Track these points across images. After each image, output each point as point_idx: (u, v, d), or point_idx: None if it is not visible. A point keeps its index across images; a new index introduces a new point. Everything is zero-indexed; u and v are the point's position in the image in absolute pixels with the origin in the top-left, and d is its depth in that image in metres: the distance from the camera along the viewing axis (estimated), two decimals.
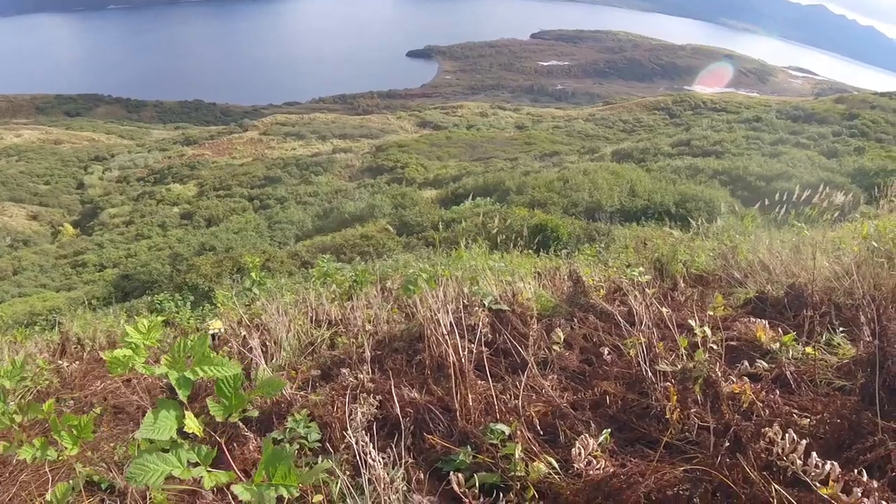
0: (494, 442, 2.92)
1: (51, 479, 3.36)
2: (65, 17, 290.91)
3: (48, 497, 2.75)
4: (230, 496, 2.67)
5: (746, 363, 3.51)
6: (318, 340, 5.02)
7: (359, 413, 2.74)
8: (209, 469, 2.14)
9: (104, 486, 3.33)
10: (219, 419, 2.25)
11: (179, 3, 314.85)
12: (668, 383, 3.10)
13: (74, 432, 2.76)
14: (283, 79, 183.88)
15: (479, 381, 3.45)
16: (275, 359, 4.75)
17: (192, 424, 2.17)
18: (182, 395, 2.18)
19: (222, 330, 5.99)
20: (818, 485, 2.24)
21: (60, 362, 6.05)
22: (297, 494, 2.15)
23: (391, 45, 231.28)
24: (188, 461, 2.14)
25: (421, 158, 62.92)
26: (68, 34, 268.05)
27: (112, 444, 3.94)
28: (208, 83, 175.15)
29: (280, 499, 2.11)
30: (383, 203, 39.18)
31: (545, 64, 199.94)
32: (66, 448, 2.72)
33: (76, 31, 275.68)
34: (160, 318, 9.08)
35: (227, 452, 2.41)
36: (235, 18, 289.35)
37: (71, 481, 2.99)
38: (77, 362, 6.15)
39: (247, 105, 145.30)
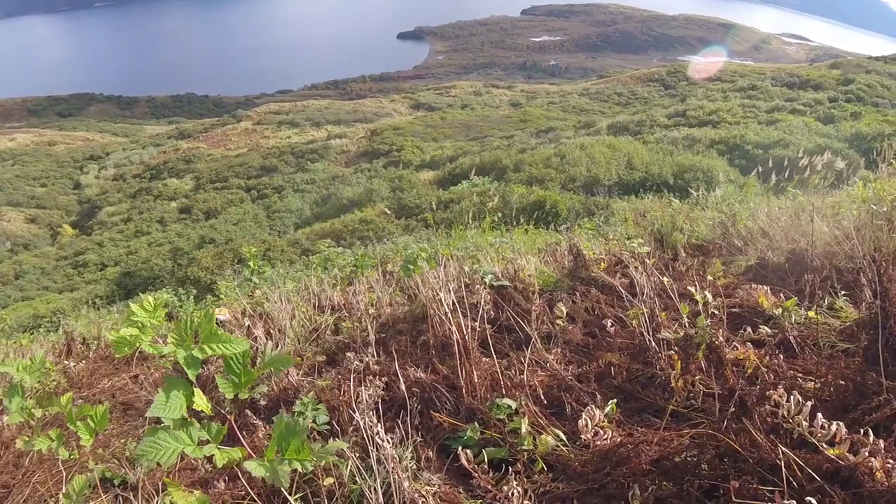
0: (501, 417, 2.94)
1: (64, 477, 3.38)
2: (51, 18, 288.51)
3: (65, 491, 2.77)
4: (243, 481, 2.69)
5: (749, 329, 3.51)
6: (322, 326, 5.03)
7: (365, 395, 2.76)
8: (220, 447, 2.14)
9: (117, 482, 3.36)
10: (228, 396, 2.25)
11: None
12: (672, 352, 3.11)
13: (91, 423, 2.76)
14: (273, 67, 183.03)
15: (484, 358, 3.47)
16: (280, 346, 4.76)
17: (201, 402, 2.17)
18: (191, 374, 2.18)
19: (228, 316, 6.00)
20: (825, 446, 2.25)
21: (67, 362, 6.07)
22: (310, 468, 2.15)
23: (381, 28, 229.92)
24: (199, 439, 2.13)
25: (416, 140, 62.72)
26: (56, 34, 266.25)
27: (123, 441, 3.96)
28: (199, 75, 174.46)
29: (291, 480, 2.11)
30: (381, 187, 39.10)
31: (537, 40, 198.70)
32: (80, 440, 2.72)
33: (63, 30, 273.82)
34: (165, 296, 9.10)
35: (237, 431, 2.42)
36: (222, 8, 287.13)
37: (87, 475, 3.01)
38: (83, 362, 6.17)
39: (239, 95, 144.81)
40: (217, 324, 5.79)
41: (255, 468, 2.07)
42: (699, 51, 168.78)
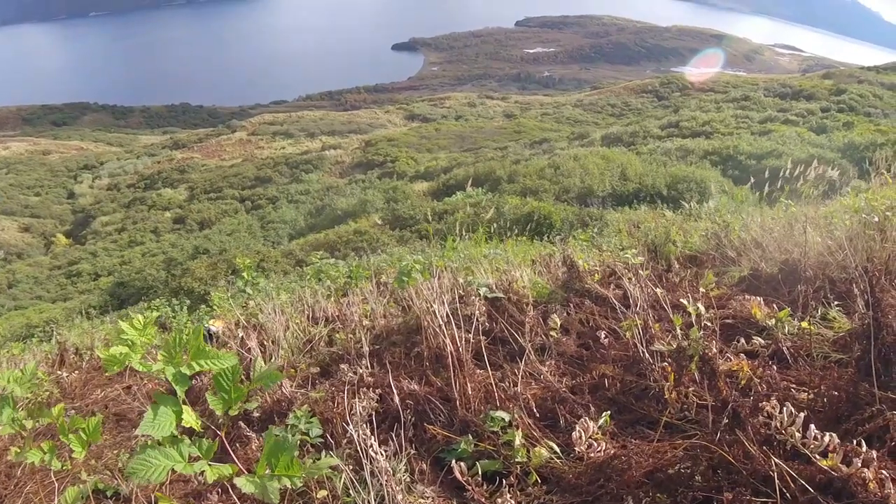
0: (495, 429, 2.94)
1: (57, 488, 3.36)
2: (47, 27, 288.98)
3: (57, 502, 2.75)
4: (234, 497, 2.68)
5: (743, 340, 3.52)
6: (316, 338, 5.02)
7: (359, 407, 2.75)
8: (210, 463, 2.14)
9: (109, 494, 3.34)
10: (218, 412, 2.24)
11: (161, 6, 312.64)
12: (665, 363, 3.12)
13: (83, 435, 2.74)
14: (268, 78, 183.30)
15: (478, 370, 3.46)
16: (273, 358, 4.75)
17: (190, 419, 2.17)
18: (179, 391, 2.18)
19: (220, 329, 5.98)
20: (818, 457, 2.26)
21: (60, 373, 6.05)
22: (300, 485, 2.15)
23: (375, 39, 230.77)
24: (190, 456, 2.13)
25: (411, 151, 62.78)
26: (52, 43, 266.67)
27: (115, 452, 3.94)
28: (194, 86, 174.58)
29: (284, 494, 2.11)
30: (375, 198, 39.12)
31: (531, 51, 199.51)
32: (73, 452, 2.71)
33: (59, 39, 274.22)
34: (155, 314, 9.08)
35: (228, 447, 2.41)
36: (218, 19, 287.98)
37: (80, 487, 2.99)
38: (76, 372, 6.15)
39: (234, 106, 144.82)
40: (210, 335, 5.78)
41: (245, 484, 2.07)
42: (692, 61, 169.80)
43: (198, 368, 2.20)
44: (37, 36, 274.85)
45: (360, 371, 3.79)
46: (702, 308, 3.49)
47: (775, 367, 3.06)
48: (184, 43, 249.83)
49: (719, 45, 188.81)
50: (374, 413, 3.10)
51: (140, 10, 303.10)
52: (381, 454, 2.50)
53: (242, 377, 2.54)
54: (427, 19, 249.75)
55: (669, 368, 3.02)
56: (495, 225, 7.94)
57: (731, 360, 3.13)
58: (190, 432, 2.24)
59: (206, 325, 6.18)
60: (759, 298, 3.98)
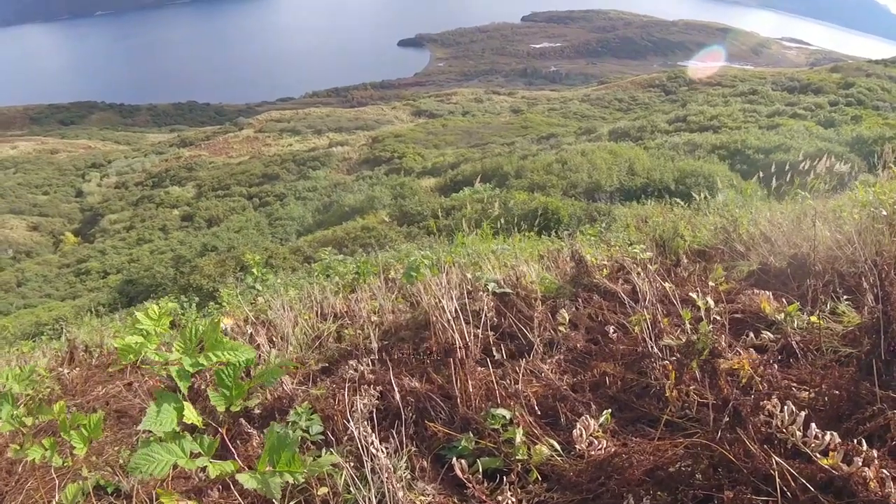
0: (496, 427, 2.93)
1: (58, 484, 3.36)
2: (52, 27, 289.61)
3: (58, 499, 2.74)
4: (236, 493, 2.68)
5: (752, 335, 3.50)
6: (325, 334, 5.02)
7: (360, 404, 2.74)
8: (212, 460, 2.14)
9: (110, 490, 3.34)
10: (220, 409, 2.25)
11: (166, 5, 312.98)
12: (667, 361, 3.10)
13: (84, 432, 2.74)
14: (275, 75, 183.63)
15: (479, 368, 3.45)
16: (283, 354, 4.75)
17: (191, 415, 2.17)
18: (183, 386, 2.18)
19: (230, 326, 5.99)
20: (819, 456, 2.24)
21: (60, 369, 6.06)
22: (301, 480, 2.15)
23: (382, 35, 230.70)
24: (191, 452, 2.13)
25: (418, 147, 62.84)
26: (56, 43, 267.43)
27: (116, 448, 3.94)
28: (200, 84, 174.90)
29: (284, 490, 2.10)
30: (382, 194, 39.19)
31: (537, 46, 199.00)
32: (73, 448, 2.70)
33: (64, 39, 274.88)
34: (172, 304, 9.13)
35: (229, 444, 2.41)
36: (223, 17, 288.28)
37: (80, 483, 2.99)
38: (77, 369, 6.16)
39: (240, 103, 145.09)
40: None
41: (247, 480, 2.07)
42: (697, 56, 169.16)
43: (215, 360, 2.21)
44: (40, 36, 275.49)
45: (361, 368, 3.78)
46: (711, 302, 3.47)
47: (776, 366, 3.04)
48: (189, 41, 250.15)
49: (726, 39, 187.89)
50: (374, 410, 3.09)
51: (143, 9, 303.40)
52: (382, 451, 2.50)
53: (243, 375, 2.54)
54: (433, 15, 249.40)
55: (670, 367, 3.00)
56: (503, 220, 7.92)
57: (739, 353, 3.11)
58: (192, 429, 2.24)
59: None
60: (768, 293, 3.95)
